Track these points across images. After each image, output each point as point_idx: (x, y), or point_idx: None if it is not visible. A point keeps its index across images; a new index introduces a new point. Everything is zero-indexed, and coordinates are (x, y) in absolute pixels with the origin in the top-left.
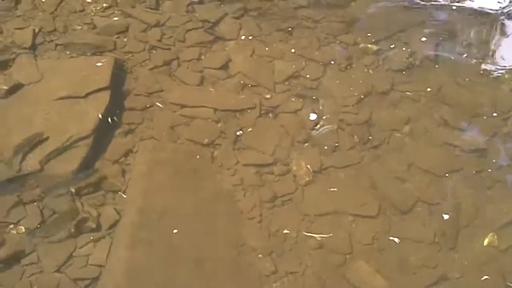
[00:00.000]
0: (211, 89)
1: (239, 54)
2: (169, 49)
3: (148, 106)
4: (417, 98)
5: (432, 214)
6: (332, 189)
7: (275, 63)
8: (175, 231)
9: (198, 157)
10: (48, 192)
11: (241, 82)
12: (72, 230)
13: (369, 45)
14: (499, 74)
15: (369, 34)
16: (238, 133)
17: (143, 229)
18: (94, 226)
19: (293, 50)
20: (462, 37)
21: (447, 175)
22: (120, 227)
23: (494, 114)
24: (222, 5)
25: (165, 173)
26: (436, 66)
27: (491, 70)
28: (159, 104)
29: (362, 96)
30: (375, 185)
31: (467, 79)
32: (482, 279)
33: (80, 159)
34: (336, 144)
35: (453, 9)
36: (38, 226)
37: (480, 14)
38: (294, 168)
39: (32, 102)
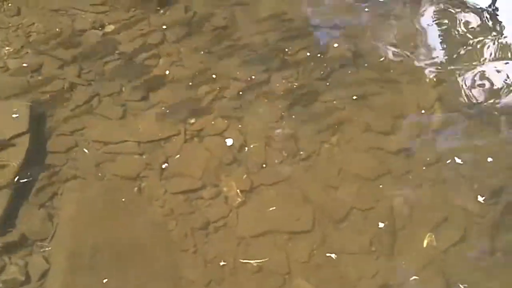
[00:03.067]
0: (134, 122)
1: (160, 81)
2: (89, 84)
3: (71, 146)
4: (341, 106)
5: (366, 220)
6: (265, 208)
7: (197, 85)
8: (104, 280)
9: (125, 191)
10: None
11: (164, 110)
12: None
13: (288, 58)
14: (421, 72)
15: (290, 47)
16: (164, 163)
17: (77, 273)
18: (23, 279)
19: (214, 71)
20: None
21: (377, 179)
22: (51, 276)
23: (419, 112)
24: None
25: (94, 212)
26: (357, 69)
27: (412, 68)
28: (85, 150)
29: (286, 110)
30: (307, 198)
31: (389, 80)
32: (424, 282)
33: (1, 210)
34: (265, 161)
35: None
36: None
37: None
38: (225, 189)
39: None
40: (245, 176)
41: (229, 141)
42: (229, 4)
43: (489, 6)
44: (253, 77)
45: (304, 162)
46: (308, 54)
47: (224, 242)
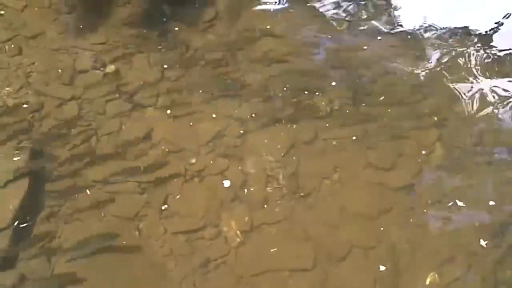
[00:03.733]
0: (134, 161)
1: (160, 120)
2: (89, 124)
3: (70, 186)
4: (341, 144)
5: (368, 259)
6: (266, 246)
7: (198, 125)
8: None
9: (125, 232)
10: None
11: (164, 149)
12: None
13: (290, 97)
14: (422, 111)
15: (288, 85)
16: (164, 203)
17: None
18: None
19: (214, 110)
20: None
21: (379, 216)
22: None
23: (419, 151)
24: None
25: (93, 253)
26: (356, 108)
27: (413, 107)
28: (85, 190)
29: (288, 148)
30: (309, 236)
31: (390, 119)
32: None
33: (1, 251)
34: (266, 200)
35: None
36: None
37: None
38: (225, 229)
39: None
40: (246, 215)
41: (230, 181)
42: (230, 43)
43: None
44: (253, 115)
45: (305, 200)
46: (307, 93)
47: (223, 281)
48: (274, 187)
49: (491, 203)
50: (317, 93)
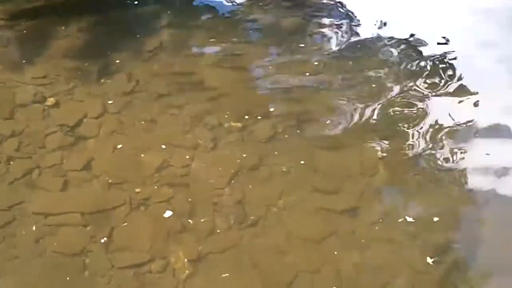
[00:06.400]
0: (77, 193)
1: (103, 152)
2: (29, 157)
3: (8, 221)
4: (286, 169)
5: (314, 282)
6: (214, 276)
7: (142, 155)
8: None
9: (69, 268)
10: None
11: (107, 180)
12: None
13: (233, 123)
14: (364, 132)
15: (229, 113)
16: (109, 235)
17: None
18: None
19: (158, 140)
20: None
21: (324, 240)
22: None
23: (363, 172)
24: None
25: None
26: (299, 132)
27: (355, 129)
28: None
29: (233, 176)
30: (256, 264)
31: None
32: None
33: None
34: (213, 228)
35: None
36: None
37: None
38: (173, 260)
39: None
40: (193, 245)
41: (176, 210)
42: (172, 72)
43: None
44: (200, 141)
45: (252, 228)
46: (248, 117)
47: None
48: (220, 216)
49: (435, 219)
50: (259, 117)
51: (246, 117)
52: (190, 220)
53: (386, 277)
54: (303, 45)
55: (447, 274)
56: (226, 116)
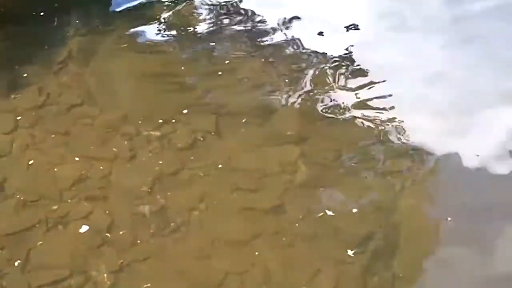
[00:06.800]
0: None
1: (16, 169)
2: None
3: None
4: (207, 172)
5: (243, 283)
6: (136, 286)
7: (56, 170)
8: None
9: None
10: None
11: (21, 199)
12: None
13: (152, 132)
14: (281, 130)
15: (150, 120)
16: (26, 254)
17: None
18: None
19: (74, 153)
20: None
21: (251, 241)
22: None
23: (284, 170)
24: None
25: None
26: (220, 138)
27: (271, 129)
28: None
29: (153, 184)
30: (181, 271)
31: (253, 145)
32: None
33: None
34: (135, 238)
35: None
36: None
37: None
38: (94, 274)
39: None
40: (114, 257)
41: (96, 224)
42: (83, 82)
43: None
44: (114, 149)
45: (175, 234)
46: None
47: None
48: (141, 225)
49: (354, 211)
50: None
51: (160, 120)
52: (109, 233)
53: (312, 272)
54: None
55: (369, 264)
56: (141, 122)
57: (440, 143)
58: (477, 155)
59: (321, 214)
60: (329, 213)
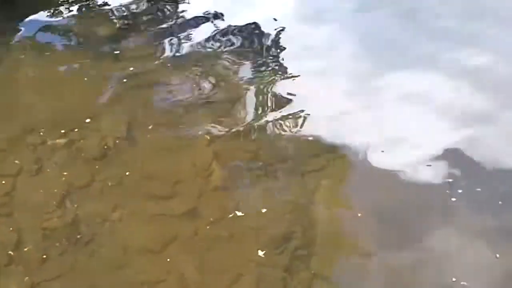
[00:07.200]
0: None
1: None
2: None
3: None
4: (119, 182)
5: None
6: None
7: None
8: None
9: None
10: None
11: None
12: None
13: (58, 140)
14: (195, 133)
15: (54, 128)
16: None
17: None
18: None
19: None
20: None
21: (165, 248)
22: None
23: (198, 173)
24: None
25: None
26: (131, 145)
27: (185, 131)
28: None
29: (63, 196)
30: (94, 285)
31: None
32: None
33: None
34: (45, 255)
35: None
36: None
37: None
38: None
39: None
40: (23, 277)
41: (7, 238)
42: None
43: None
44: (19, 166)
45: (87, 247)
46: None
47: None
48: (51, 240)
49: (271, 210)
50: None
51: (63, 131)
52: (18, 251)
53: (231, 276)
54: (118, 51)
55: (289, 264)
56: (43, 131)
57: (351, 142)
58: (382, 151)
59: (237, 215)
60: (243, 214)
